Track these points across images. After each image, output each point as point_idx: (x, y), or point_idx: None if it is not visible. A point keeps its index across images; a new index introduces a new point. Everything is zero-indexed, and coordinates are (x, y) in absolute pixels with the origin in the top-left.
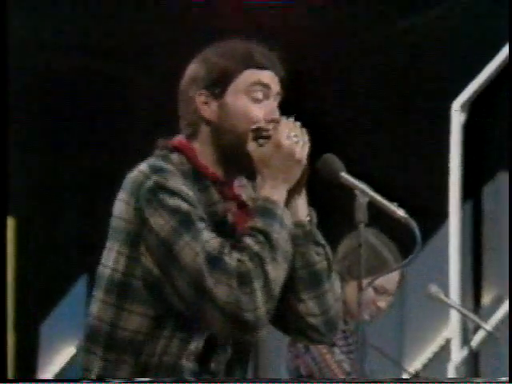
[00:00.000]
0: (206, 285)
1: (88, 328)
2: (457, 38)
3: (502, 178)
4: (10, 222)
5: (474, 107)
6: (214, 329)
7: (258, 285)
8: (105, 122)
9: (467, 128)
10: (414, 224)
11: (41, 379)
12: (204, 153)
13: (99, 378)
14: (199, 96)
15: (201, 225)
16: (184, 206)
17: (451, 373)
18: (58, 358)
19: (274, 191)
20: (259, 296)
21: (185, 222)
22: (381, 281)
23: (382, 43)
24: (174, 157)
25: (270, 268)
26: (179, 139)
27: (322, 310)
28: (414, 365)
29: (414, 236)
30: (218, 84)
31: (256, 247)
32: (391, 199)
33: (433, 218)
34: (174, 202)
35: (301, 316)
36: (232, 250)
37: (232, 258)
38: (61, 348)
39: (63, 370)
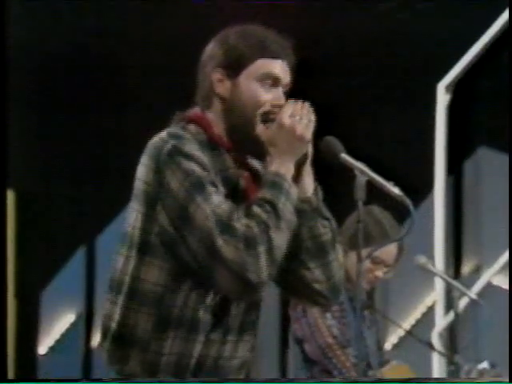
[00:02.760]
0: (215, 245)
1: (111, 281)
2: (443, 22)
3: (483, 154)
4: (10, 194)
5: (457, 88)
6: (221, 286)
7: (262, 249)
8: (104, 99)
9: (451, 108)
10: (408, 201)
11: (41, 379)
12: (217, 123)
13: (120, 326)
14: (215, 73)
15: (212, 189)
16: (197, 169)
17: (435, 339)
18: (58, 325)
19: (282, 166)
20: (263, 259)
21: (197, 184)
22: (377, 252)
23: (372, 27)
24: (191, 127)
25: (274, 235)
26: (195, 112)
27: (327, 277)
28: (398, 332)
29: (408, 212)
30: (233, 66)
31: (263, 215)
32: (382, 174)
33: (418, 191)
34: (188, 165)
35: (308, 283)
36: (241, 216)
37: (240, 223)
38: (61, 315)
39: (63, 336)
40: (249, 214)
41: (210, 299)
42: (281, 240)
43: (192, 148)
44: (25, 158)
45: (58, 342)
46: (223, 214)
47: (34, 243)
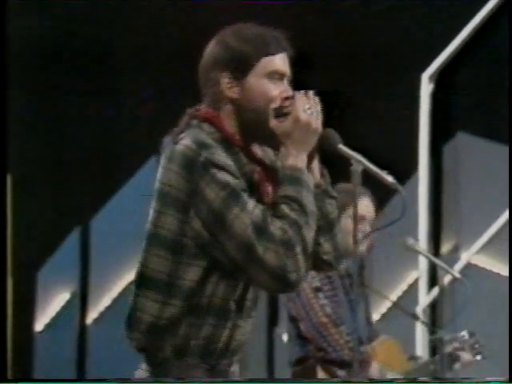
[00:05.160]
0: (255, 252)
1: (142, 277)
2: (426, 18)
3: (462, 139)
4: (9, 178)
5: (440, 78)
6: (260, 286)
7: (299, 249)
8: (102, 87)
9: (434, 96)
10: (400, 188)
11: (41, 379)
12: (229, 123)
13: (156, 319)
14: (223, 77)
15: (245, 196)
16: (231, 179)
17: (420, 315)
18: (54, 303)
19: (298, 159)
20: (300, 258)
21: (233, 194)
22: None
23: (361, 22)
24: (206, 127)
25: (305, 232)
26: (206, 110)
27: (333, 248)
28: (380, 309)
29: (401, 198)
30: (240, 68)
31: (293, 215)
32: (369, 157)
33: (403, 172)
34: (222, 176)
35: (317, 255)
36: (273, 218)
37: (275, 227)
38: (56, 294)
39: (59, 314)
40: (279, 215)
41: (238, 290)
42: (311, 234)
43: (222, 156)
44: (24, 141)
45: (53, 319)
46: (258, 219)
47: (31, 225)
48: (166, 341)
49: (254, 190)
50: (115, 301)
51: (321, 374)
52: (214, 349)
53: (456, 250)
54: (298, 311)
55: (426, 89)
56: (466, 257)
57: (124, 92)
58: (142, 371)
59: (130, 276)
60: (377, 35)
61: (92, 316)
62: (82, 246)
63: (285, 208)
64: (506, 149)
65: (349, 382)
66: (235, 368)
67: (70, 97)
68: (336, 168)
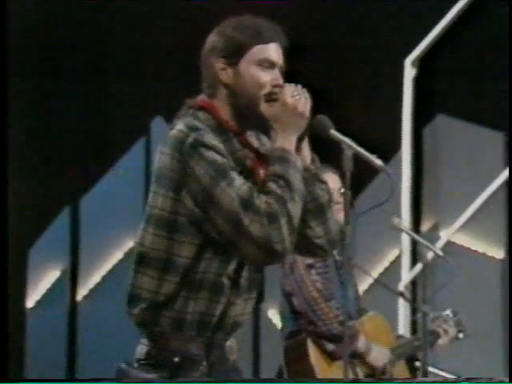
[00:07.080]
0: (242, 223)
1: (140, 255)
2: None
3: (440, 121)
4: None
5: (422, 63)
6: (248, 258)
7: (283, 221)
8: (102, 76)
9: (417, 80)
10: (389, 171)
11: (40, 379)
12: (223, 109)
13: (153, 294)
14: (218, 63)
15: (233, 173)
16: (219, 158)
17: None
18: (44, 281)
19: (286, 141)
20: (284, 230)
21: (221, 171)
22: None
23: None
24: (201, 114)
25: (290, 207)
26: (202, 99)
27: (325, 233)
28: (362, 286)
29: (389, 180)
30: (234, 55)
31: (279, 190)
32: (355, 139)
33: (386, 153)
34: (210, 155)
35: (309, 239)
36: (259, 194)
37: (261, 201)
38: (47, 271)
39: (50, 291)
40: (266, 191)
41: (230, 266)
42: (296, 210)
43: (210, 138)
44: (19, 123)
45: (44, 296)
46: (245, 195)
47: (22, 204)
48: (163, 315)
49: (247, 174)
50: (104, 278)
51: (311, 348)
52: (208, 323)
53: (436, 229)
54: (291, 286)
55: (408, 74)
56: (445, 235)
57: (112, 76)
58: (142, 346)
59: (119, 254)
60: (360, 21)
61: (82, 293)
62: (72, 225)
63: (271, 184)
64: (485, 131)
65: (349, 382)
66: (232, 343)
67: (60, 81)
68: (326, 152)
